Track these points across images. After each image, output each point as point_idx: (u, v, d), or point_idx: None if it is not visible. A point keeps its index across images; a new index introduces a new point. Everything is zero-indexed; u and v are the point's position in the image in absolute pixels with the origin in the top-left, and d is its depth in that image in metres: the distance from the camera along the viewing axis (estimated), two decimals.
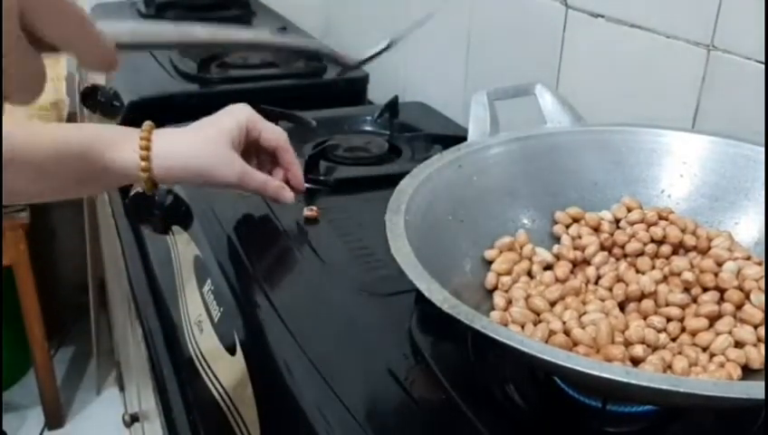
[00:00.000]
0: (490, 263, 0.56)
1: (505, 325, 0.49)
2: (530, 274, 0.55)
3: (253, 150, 0.71)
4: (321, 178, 0.84)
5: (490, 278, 0.54)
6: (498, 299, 0.52)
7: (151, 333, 0.77)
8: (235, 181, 0.65)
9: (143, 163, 0.62)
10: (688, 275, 0.51)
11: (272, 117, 1.00)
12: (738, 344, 0.47)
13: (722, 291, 0.50)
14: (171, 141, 0.64)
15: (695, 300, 0.51)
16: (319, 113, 1.03)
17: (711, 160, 0.59)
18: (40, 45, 0.35)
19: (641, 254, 0.55)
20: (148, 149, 0.62)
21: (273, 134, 0.70)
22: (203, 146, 0.64)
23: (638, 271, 0.54)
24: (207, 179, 0.65)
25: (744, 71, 0.66)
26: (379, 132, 1.02)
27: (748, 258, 0.53)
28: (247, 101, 1.03)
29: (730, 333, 0.47)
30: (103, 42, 0.57)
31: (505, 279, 0.54)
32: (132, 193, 0.84)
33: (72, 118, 1.67)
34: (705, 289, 0.50)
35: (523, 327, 0.49)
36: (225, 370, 0.62)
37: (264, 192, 0.68)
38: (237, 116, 0.67)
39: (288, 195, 0.69)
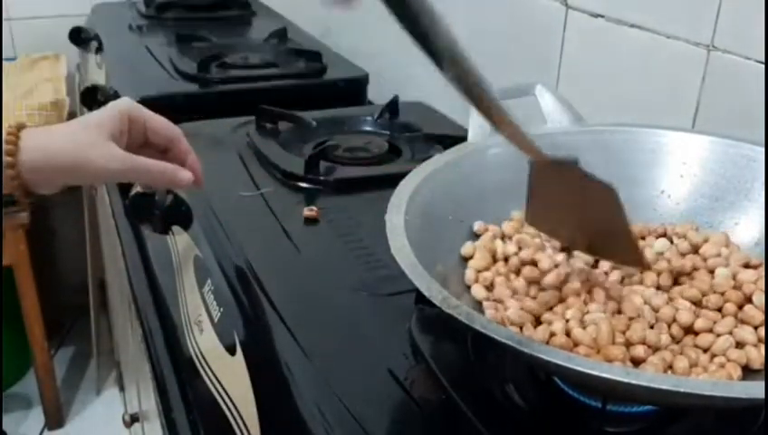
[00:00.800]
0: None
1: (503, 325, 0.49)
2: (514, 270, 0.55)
3: (139, 145, 0.65)
4: (321, 178, 0.84)
5: (469, 274, 0.54)
6: (487, 305, 0.52)
7: (151, 333, 0.77)
8: (120, 169, 0.59)
9: (8, 159, 0.55)
10: (692, 292, 0.51)
11: (272, 117, 1.00)
12: (739, 345, 0.46)
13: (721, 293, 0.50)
14: (42, 137, 0.58)
15: (697, 303, 0.50)
16: (319, 113, 1.03)
17: (711, 160, 0.59)
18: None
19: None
20: (14, 143, 0.56)
21: (161, 122, 0.65)
22: (78, 136, 0.58)
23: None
24: (87, 172, 0.59)
25: (743, 71, 0.66)
26: (379, 132, 1.02)
27: (746, 265, 0.53)
28: (247, 102, 1.04)
29: (731, 333, 0.47)
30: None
31: (486, 274, 0.54)
32: (132, 193, 0.84)
33: (72, 117, 1.67)
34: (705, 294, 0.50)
35: (521, 328, 0.49)
36: (225, 370, 0.62)
37: (157, 177, 0.62)
38: (117, 105, 0.62)
39: (185, 175, 0.63)
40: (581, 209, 0.48)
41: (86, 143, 0.58)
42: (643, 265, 0.52)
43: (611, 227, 0.48)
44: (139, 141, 0.64)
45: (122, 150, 0.60)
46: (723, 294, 0.50)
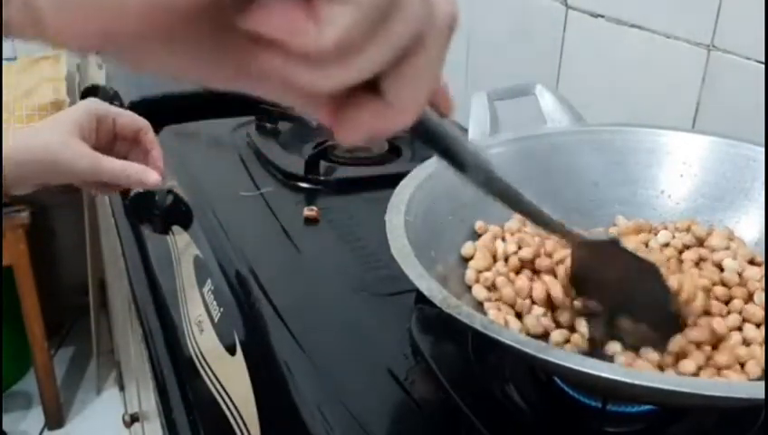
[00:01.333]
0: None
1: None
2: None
3: (109, 142, 0.66)
4: (321, 178, 0.84)
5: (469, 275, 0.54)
6: (489, 306, 0.52)
7: (151, 333, 0.77)
8: (89, 168, 0.60)
9: None
10: (702, 282, 0.51)
11: (272, 117, 1.00)
12: (745, 342, 0.46)
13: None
14: (10, 139, 0.59)
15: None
16: None
17: (711, 160, 0.59)
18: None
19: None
20: None
21: (129, 116, 0.66)
22: (47, 137, 0.60)
23: None
24: (57, 171, 0.60)
25: (744, 71, 0.66)
26: None
27: (751, 261, 0.53)
28: (247, 101, 1.04)
29: (740, 329, 0.47)
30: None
31: (487, 274, 0.54)
32: (132, 193, 0.84)
33: None
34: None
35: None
36: (225, 370, 0.62)
37: (125, 177, 0.63)
38: (86, 105, 0.64)
39: (153, 176, 0.64)
40: (624, 283, 0.47)
41: (55, 143, 0.59)
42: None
43: (654, 300, 0.46)
44: (107, 139, 0.65)
45: (90, 149, 0.61)
46: (730, 288, 0.50)
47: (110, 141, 0.65)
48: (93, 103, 0.64)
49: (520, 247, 0.55)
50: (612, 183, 0.61)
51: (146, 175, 0.63)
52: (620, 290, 0.47)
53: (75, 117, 0.62)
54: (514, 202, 0.38)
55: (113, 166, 0.61)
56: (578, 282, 0.49)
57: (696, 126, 0.72)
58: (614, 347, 0.47)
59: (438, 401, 0.50)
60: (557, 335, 0.48)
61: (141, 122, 0.67)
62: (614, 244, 0.45)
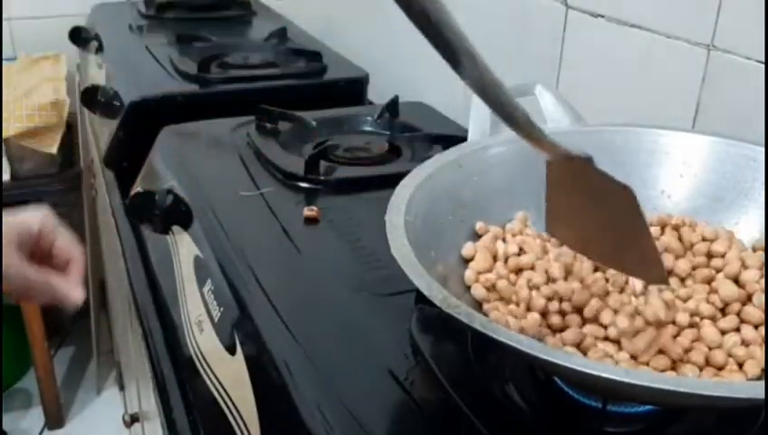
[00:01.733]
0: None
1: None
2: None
3: (38, 259, 0.65)
4: (321, 178, 0.84)
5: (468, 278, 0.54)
6: (488, 307, 0.52)
7: (151, 333, 0.77)
8: (12, 273, 0.60)
9: None
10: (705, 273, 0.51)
11: (272, 117, 1.00)
12: (744, 343, 0.46)
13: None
14: None
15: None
16: (319, 113, 1.04)
17: (711, 160, 0.59)
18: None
19: None
20: None
21: (68, 243, 0.66)
22: None
23: None
24: None
25: (744, 71, 0.66)
26: (379, 132, 1.03)
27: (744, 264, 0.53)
28: (247, 101, 1.04)
29: (738, 330, 0.47)
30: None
31: (487, 275, 0.54)
32: (132, 193, 0.84)
33: (72, 118, 1.67)
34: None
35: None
36: (225, 370, 0.62)
37: (50, 288, 0.63)
38: (32, 215, 0.64)
39: (77, 294, 0.64)
40: (598, 212, 0.44)
41: None
42: (663, 281, 0.47)
43: (630, 231, 0.44)
44: (43, 253, 0.64)
45: (21, 256, 0.60)
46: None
47: (47, 254, 0.65)
48: (40, 215, 0.64)
49: (521, 249, 0.55)
50: None
51: (71, 292, 0.63)
52: (593, 216, 0.44)
53: (19, 222, 0.62)
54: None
55: (40, 275, 0.61)
56: (550, 211, 0.46)
57: (696, 126, 0.72)
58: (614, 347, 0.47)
59: (438, 401, 0.50)
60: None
61: (75, 252, 0.66)
62: (588, 161, 0.42)
